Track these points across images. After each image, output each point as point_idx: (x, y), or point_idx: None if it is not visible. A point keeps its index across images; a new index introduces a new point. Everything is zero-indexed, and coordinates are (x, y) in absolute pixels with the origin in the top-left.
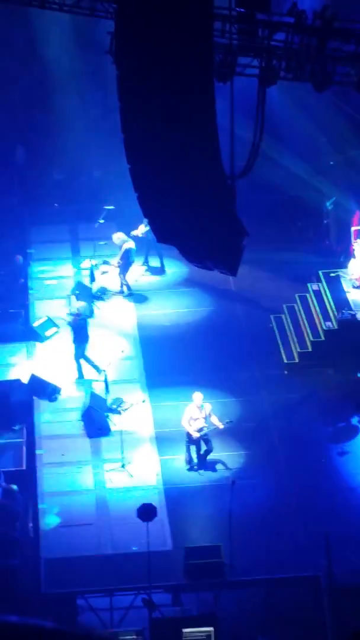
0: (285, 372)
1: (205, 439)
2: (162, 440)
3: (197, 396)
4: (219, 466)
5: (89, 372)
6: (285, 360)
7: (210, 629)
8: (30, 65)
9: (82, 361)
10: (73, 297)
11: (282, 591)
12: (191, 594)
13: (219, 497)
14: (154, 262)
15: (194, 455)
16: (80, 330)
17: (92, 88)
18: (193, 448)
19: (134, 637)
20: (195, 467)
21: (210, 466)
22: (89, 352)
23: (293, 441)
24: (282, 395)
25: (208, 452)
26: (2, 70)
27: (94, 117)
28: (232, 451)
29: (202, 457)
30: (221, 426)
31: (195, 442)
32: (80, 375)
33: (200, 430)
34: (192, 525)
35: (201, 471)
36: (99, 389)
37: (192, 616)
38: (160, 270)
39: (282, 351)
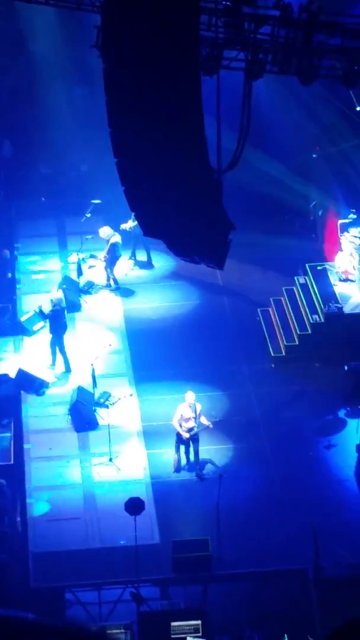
0: (273, 365)
1: (194, 438)
2: (150, 434)
3: (190, 395)
4: (206, 459)
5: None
6: (273, 354)
7: (198, 622)
8: (18, 59)
9: (57, 350)
10: (54, 289)
11: (270, 584)
12: (179, 588)
13: (207, 490)
14: (141, 256)
15: (183, 457)
16: (56, 320)
17: (79, 82)
18: (182, 448)
19: (122, 630)
20: (185, 467)
21: (198, 461)
22: (65, 342)
23: (281, 434)
24: (269, 388)
25: (195, 452)
26: None
27: (81, 111)
28: (219, 445)
29: (194, 458)
30: (211, 426)
31: (185, 442)
32: (68, 369)
33: (190, 430)
34: (179, 519)
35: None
36: (86, 383)
37: (180, 609)
38: (147, 264)
39: (269, 344)
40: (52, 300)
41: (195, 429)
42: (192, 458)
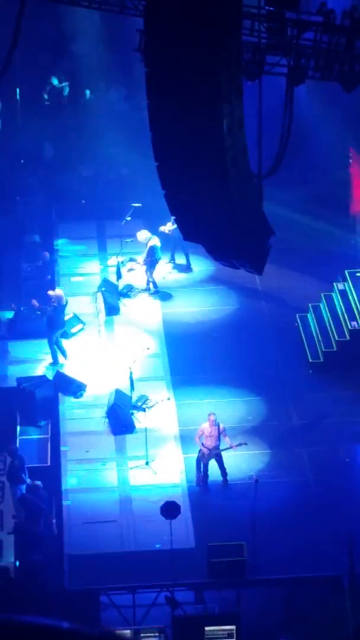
0: (310, 371)
1: (218, 459)
2: (187, 438)
3: (212, 416)
4: (242, 464)
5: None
6: (310, 360)
7: (232, 627)
8: (59, 61)
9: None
10: (52, 291)
11: (305, 590)
12: (214, 592)
13: (242, 495)
14: (180, 260)
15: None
16: (53, 317)
17: (120, 85)
18: (202, 467)
19: (156, 634)
20: (205, 483)
21: (226, 476)
22: (60, 338)
23: (317, 440)
24: (306, 394)
25: (221, 467)
26: (33, 67)
27: (122, 114)
28: (255, 450)
29: (221, 473)
30: (234, 447)
31: (205, 460)
32: (55, 361)
33: (212, 448)
34: (215, 524)
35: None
36: (123, 386)
37: (215, 614)
38: (186, 268)
39: (307, 350)
40: (52, 297)
41: (219, 446)
42: (216, 478)
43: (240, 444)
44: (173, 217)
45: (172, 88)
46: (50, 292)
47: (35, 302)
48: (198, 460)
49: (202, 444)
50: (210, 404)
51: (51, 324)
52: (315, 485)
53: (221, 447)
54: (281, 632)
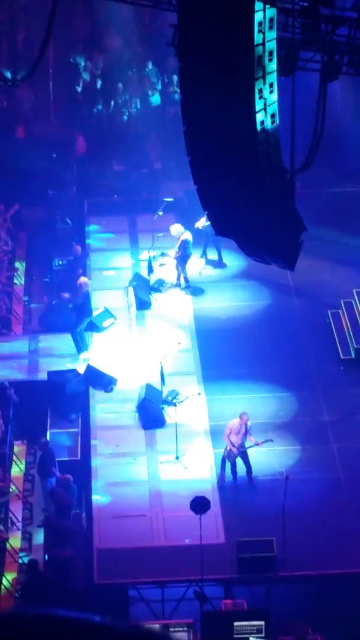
0: (342, 367)
1: (244, 457)
2: (217, 434)
3: (244, 416)
4: (272, 460)
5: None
6: (342, 356)
7: (262, 622)
8: (92, 55)
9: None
10: (83, 277)
11: (334, 586)
12: (243, 588)
13: (273, 491)
14: (212, 255)
15: (228, 473)
16: (83, 305)
17: (153, 79)
18: (228, 465)
19: (185, 629)
20: (228, 482)
21: (251, 474)
22: (84, 327)
23: (348, 437)
24: (337, 390)
25: (246, 464)
26: (66, 61)
27: (154, 108)
28: (286, 446)
29: (247, 471)
30: (260, 444)
31: (232, 458)
32: (78, 349)
33: (238, 446)
34: (245, 519)
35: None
36: (154, 380)
37: (244, 610)
38: (218, 263)
39: (339, 347)
40: (79, 285)
41: (246, 443)
42: (242, 474)
43: (266, 441)
44: (205, 212)
45: (205, 83)
46: (81, 280)
47: (65, 295)
48: (223, 459)
49: (230, 441)
50: (241, 400)
51: (80, 313)
52: (346, 482)
53: (247, 445)
54: (310, 628)
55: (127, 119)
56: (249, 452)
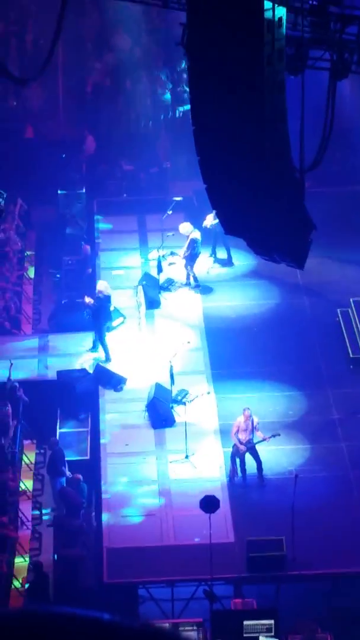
0: (351, 366)
1: (253, 452)
2: (227, 433)
3: (247, 411)
4: (282, 459)
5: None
6: (351, 355)
7: (271, 621)
8: (102, 54)
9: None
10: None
11: (344, 585)
12: (252, 587)
13: (282, 490)
14: (222, 254)
15: (239, 469)
16: (100, 310)
17: (163, 78)
18: (238, 462)
19: (195, 628)
20: (239, 478)
21: (261, 469)
22: (106, 333)
23: (357, 435)
24: (347, 389)
25: (256, 459)
26: (75, 60)
27: (163, 107)
28: (296, 444)
29: (257, 466)
30: (268, 439)
31: (241, 455)
32: (107, 357)
33: (246, 442)
34: (254, 518)
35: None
36: (163, 380)
37: (253, 609)
38: (227, 262)
39: (348, 345)
40: (98, 290)
41: (253, 440)
42: (252, 471)
43: (273, 435)
44: (214, 211)
45: (214, 82)
46: (99, 285)
47: (88, 299)
48: (233, 456)
49: (238, 439)
50: (250, 399)
51: (98, 317)
52: (355, 480)
53: (255, 441)
54: (320, 627)
55: (136, 118)
56: (258, 448)
